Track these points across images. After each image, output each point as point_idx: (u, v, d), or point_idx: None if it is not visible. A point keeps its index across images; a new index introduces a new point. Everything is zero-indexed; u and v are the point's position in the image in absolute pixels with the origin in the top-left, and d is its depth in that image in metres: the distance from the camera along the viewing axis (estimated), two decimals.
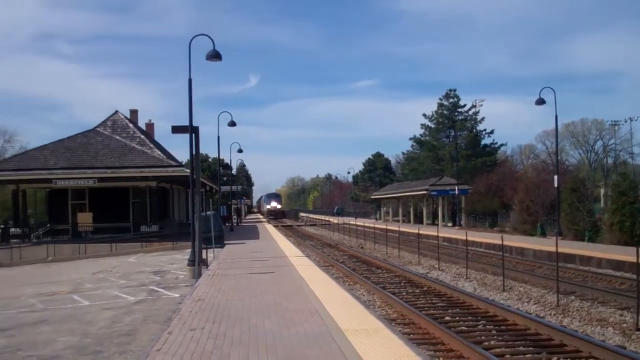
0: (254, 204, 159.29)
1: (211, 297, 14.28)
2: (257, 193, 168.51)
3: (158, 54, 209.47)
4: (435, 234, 31.90)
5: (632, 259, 15.22)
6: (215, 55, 21.42)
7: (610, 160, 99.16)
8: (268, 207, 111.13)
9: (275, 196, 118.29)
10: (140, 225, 40.62)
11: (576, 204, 36.69)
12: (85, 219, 41.13)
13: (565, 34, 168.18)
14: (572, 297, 16.41)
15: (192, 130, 21.48)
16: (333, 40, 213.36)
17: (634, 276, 15.15)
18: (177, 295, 17.22)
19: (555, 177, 36.99)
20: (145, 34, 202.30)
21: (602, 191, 78.73)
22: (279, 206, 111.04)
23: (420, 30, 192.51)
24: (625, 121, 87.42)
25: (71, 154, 40.16)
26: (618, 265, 22.10)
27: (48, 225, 42.74)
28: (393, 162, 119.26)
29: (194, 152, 21.90)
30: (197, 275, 20.05)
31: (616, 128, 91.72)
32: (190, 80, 21.43)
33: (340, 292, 14.86)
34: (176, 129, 22.18)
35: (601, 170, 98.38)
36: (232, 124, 40.65)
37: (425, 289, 18.65)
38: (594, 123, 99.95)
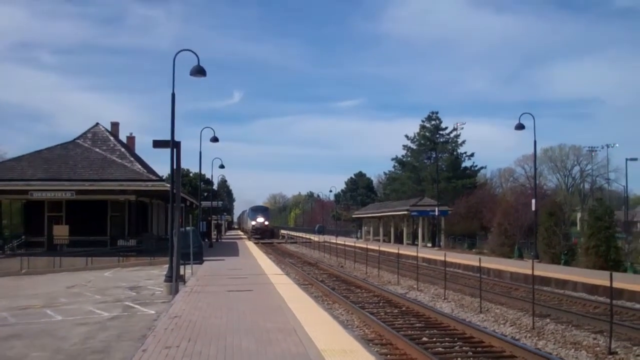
0: (235, 220, 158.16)
1: (188, 315, 14.18)
2: (238, 209, 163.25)
3: (142, 67, 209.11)
4: (415, 254, 32.02)
5: (607, 283, 15.38)
6: (199, 71, 21.41)
7: (587, 186, 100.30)
8: (253, 223, 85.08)
9: (262, 210, 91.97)
10: (118, 239, 40.19)
11: (553, 228, 36.98)
12: (61, 231, 40.66)
13: (545, 61, 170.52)
14: (548, 320, 16.51)
15: (173, 145, 21.41)
16: (318, 59, 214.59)
17: (608, 300, 15.28)
18: (153, 311, 17.06)
19: (533, 201, 37.31)
20: (129, 47, 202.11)
21: (579, 215, 79.52)
22: (266, 222, 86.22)
23: (403, 53, 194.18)
24: (602, 147, 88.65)
25: (49, 166, 39.78)
26: (593, 289, 22.30)
27: (23, 237, 42.19)
28: (375, 181, 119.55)
29: (175, 167, 21.82)
30: (174, 291, 19.90)
31: (593, 154, 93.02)
32: (173, 95, 21.43)
33: (319, 312, 14.82)
34: (158, 144, 22.12)
35: (578, 195, 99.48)
36: (215, 139, 40.60)
37: (403, 309, 18.66)
38: (571, 149, 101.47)
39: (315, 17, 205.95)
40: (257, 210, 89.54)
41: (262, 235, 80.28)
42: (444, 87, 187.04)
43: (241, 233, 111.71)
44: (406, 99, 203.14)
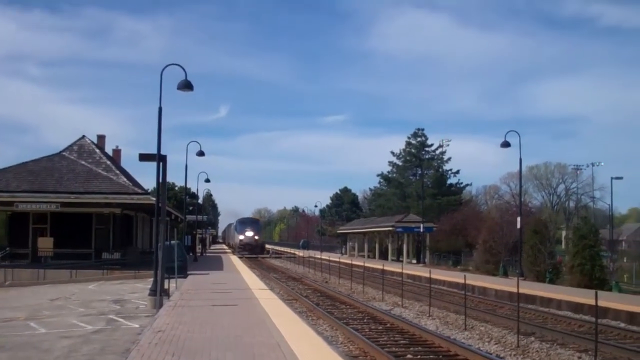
0: (220, 233, 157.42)
1: (172, 329, 14.11)
2: (223, 223, 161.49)
3: (128, 80, 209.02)
4: (400, 270, 32.05)
5: (591, 301, 15.48)
6: (186, 85, 21.42)
7: (572, 204, 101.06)
8: (241, 237, 75.90)
9: (252, 223, 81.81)
10: (102, 252, 39.91)
11: (538, 246, 37.15)
12: (45, 243, 40.31)
13: (531, 79, 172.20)
14: (532, 338, 16.55)
15: (159, 159, 21.36)
16: (304, 74, 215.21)
17: (593, 319, 15.36)
18: (137, 325, 16.94)
19: (519, 218, 37.47)
20: (116, 60, 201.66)
21: (564, 233, 79.99)
22: (257, 237, 77.18)
23: (390, 69, 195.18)
24: (588, 166, 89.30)
25: (35, 177, 39.54)
26: (577, 307, 22.40)
27: (7, 249, 41.79)
28: (360, 197, 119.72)
29: (160, 181, 21.77)
30: (158, 305, 19.78)
31: (578, 172, 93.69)
32: (160, 109, 21.44)
33: (303, 327, 14.79)
34: (144, 157, 22.06)
35: (563, 213, 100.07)
36: (201, 153, 40.59)
37: (388, 325, 18.65)
38: (557, 167, 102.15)
39: (302, 33, 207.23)
40: (245, 223, 79.29)
41: (252, 252, 72.69)
42: (429, 103, 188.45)
43: (226, 248, 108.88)
44: (392, 115, 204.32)
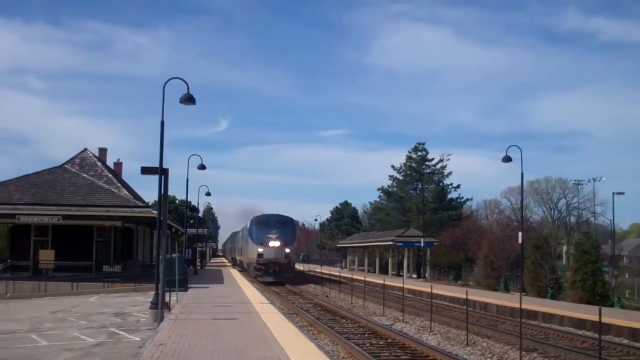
0: (220, 247, 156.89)
1: (173, 342, 14.11)
2: (222, 236, 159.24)
3: (130, 93, 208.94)
4: (400, 285, 32.01)
5: (593, 317, 15.45)
6: (189, 99, 21.51)
7: (572, 219, 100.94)
8: (260, 250, 46.68)
9: (281, 224, 49.04)
10: (103, 265, 39.89)
11: (539, 261, 37.11)
12: (47, 256, 40.31)
13: (532, 93, 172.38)
14: (535, 354, 16.52)
15: (161, 172, 21.42)
16: (304, 88, 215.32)
17: (596, 335, 15.33)
18: (138, 338, 16.91)
19: (520, 233, 37.45)
20: (117, 73, 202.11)
21: (564, 249, 79.94)
22: (288, 249, 47.48)
23: (390, 83, 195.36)
24: (589, 181, 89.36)
25: (36, 190, 39.61)
26: (580, 323, 22.35)
27: (9, 261, 41.75)
28: (360, 211, 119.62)
29: (162, 194, 21.80)
30: (159, 319, 19.76)
31: (579, 187, 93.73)
32: (162, 123, 21.46)
33: (304, 341, 14.78)
34: (146, 170, 22.11)
35: (564, 228, 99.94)
36: (202, 167, 40.64)
37: (389, 340, 18.62)
38: (557, 182, 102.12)
39: (302, 47, 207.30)
40: (269, 225, 48.06)
41: (279, 275, 45.49)
42: (430, 118, 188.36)
43: (226, 261, 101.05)
44: (392, 129, 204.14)
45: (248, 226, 51.08)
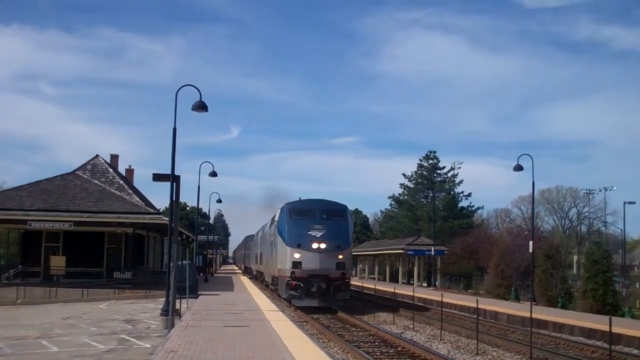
0: (230, 254, 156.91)
1: (184, 349, 14.16)
2: (233, 243, 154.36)
3: (141, 100, 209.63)
4: (411, 293, 31.91)
5: (604, 327, 15.40)
6: (201, 106, 21.60)
7: (583, 228, 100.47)
8: (297, 255, 29.79)
9: (330, 215, 31.39)
10: (114, 271, 40.03)
11: (550, 270, 37.01)
12: (58, 262, 40.50)
13: (543, 102, 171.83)
14: None
15: (173, 179, 21.52)
16: (315, 95, 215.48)
17: (606, 345, 15.27)
18: (148, 345, 16.98)
19: (531, 243, 37.32)
20: (130, 80, 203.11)
21: (575, 258, 79.53)
22: (341, 255, 30.23)
23: (400, 91, 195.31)
24: (600, 190, 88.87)
25: (48, 196, 39.83)
26: (590, 333, 22.24)
27: (20, 266, 42.04)
28: (371, 219, 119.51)
29: (174, 201, 21.89)
30: (170, 325, 19.81)
31: (590, 196, 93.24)
32: (174, 130, 21.55)
33: (315, 349, 14.79)
34: (158, 177, 22.22)
35: (575, 237, 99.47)
36: (214, 174, 40.69)
37: (399, 349, 18.60)
38: (569, 191, 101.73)
39: (314, 54, 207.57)
40: (310, 216, 31.50)
41: (326, 297, 29.72)
42: (441, 126, 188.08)
43: (236, 269, 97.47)
44: (403, 137, 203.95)
45: (277, 218, 33.59)
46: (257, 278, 53.02)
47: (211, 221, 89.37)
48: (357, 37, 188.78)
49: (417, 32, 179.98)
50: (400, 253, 60.66)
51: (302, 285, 29.32)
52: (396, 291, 33.09)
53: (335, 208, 32.41)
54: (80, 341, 18.02)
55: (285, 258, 30.39)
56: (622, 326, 21.43)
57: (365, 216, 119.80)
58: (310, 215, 31.02)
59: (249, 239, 69.12)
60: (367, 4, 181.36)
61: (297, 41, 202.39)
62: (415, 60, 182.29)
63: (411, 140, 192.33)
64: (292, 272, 29.62)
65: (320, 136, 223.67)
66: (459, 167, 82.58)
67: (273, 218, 36.48)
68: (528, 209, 78.31)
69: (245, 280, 59.19)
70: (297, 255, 29.76)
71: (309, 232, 30.01)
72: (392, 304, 34.59)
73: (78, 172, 44.47)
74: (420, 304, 33.02)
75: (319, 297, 29.28)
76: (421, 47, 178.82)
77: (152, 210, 40.46)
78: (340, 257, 30.00)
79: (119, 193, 41.51)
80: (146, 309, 28.93)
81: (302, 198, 34.79)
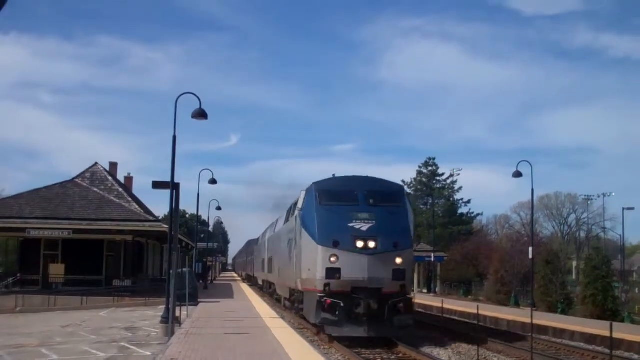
0: (230, 260, 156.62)
1: (184, 357, 14.13)
2: (233, 251, 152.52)
3: (140, 108, 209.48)
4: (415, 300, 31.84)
5: (604, 332, 15.40)
6: (201, 114, 21.60)
7: (582, 234, 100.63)
8: (333, 259, 19.49)
9: (381, 198, 21.02)
10: (113, 279, 39.96)
11: (550, 276, 37.01)
12: (57, 270, 40.45)
13: (542, 109, 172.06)
14: None
15: (173, 187, 21.52)
16: (315, 103, 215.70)
17: (606, 350, 15.27)
18: (149, 353, 16.96)
19: (530, 249, 37.35)
20: (129, 88, 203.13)
21: (574, 264, 79.57)
22: (400, 258, 19.70)
23: (400, 98, 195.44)
24: (599, 196, 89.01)
25: (47, 204, 39.80)
26: (590, 338, 22.22)
27: (18, 274, 41.97)
28: None
29: (174, 208, 21.89)
30: (170, 333, 19.77)
31: (589, 202, 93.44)
32: (174, 138, 21.57)
33: (316, 356, 14.77)
34: (157, 185, 22.23)
35: (574, 243, 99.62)
36: (213, 181, 40.63)
37: (400, 355, 18.54)
38: (567, 197, 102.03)
39: (313, 62, 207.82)
40: (350, 199, 20.98)
41: (379, 324, 19.24)
42: (440, 133, 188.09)
43: (236, 276, 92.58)
44: (402, 144, 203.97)
45: (300, 205, 22.96)
46: (264, 290, 44.34)
47: (210, 229, 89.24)
48: (357, 44, 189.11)
49: (417, 40, 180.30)
50: None
51: (341, 304, 19.29)
52: None
53: (389, 189, 22.23)
54: (80, 349, 17.99)
55: (315, 263, 20.20)
56: (622, 331, 21.42)
57: None
58: (350, 200, 21.04)
59: (252, 244, 62.02)
60: (367, 11, 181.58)
61: (297, 49, 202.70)
62: (414, 68, 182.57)
63: (411, 147, 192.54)
64: (326, 285, 19.56)
65: (320, 143, 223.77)
66: (459, 174, 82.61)
67: (292, 207, 26.26)
68: (527, 215, 78.56)
69: (245, 287, 59.13)
70: (333, 259, 19.75)
71: (351, 225, 20.09)
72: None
73: (77, 180, 44.48)
74: (420, 310, 33.02)
75: (368, 323, 19.35)
76: (421, 54, 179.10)
77: (151, 218, 40.47)
78: (399, 261, 19.93)
79: (118, 201, 41.51)
80: (146, 316, 28.89)
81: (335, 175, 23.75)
